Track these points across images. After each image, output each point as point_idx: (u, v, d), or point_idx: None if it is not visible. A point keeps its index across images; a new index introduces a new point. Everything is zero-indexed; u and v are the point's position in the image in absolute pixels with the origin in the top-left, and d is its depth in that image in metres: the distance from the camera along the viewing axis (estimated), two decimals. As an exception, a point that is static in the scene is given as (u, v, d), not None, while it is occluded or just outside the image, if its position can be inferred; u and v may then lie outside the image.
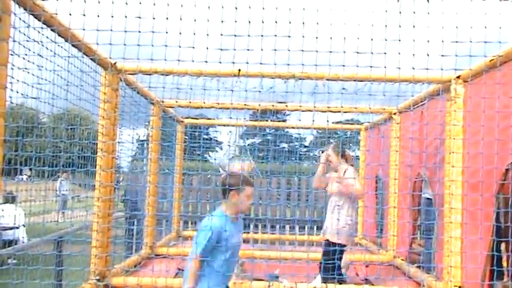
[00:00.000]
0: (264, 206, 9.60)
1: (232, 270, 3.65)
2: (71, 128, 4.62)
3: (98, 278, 4.20)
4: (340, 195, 5.11)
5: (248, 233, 8.74)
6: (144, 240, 6.06)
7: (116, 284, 4.33)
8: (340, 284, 4.57)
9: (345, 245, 5.00)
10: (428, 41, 3.34)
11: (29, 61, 3.21)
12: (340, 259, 4.91)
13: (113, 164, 4.47)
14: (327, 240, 5.07)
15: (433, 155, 5.00)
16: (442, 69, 3.51)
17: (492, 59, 3.71)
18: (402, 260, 5.92)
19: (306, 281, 4.57)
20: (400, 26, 3.28)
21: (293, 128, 8.68)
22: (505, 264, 4.43)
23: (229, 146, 6.19)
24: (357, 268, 5.79)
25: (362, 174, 7.60)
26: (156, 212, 6.27)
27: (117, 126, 4.54)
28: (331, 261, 4.71)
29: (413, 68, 3.44)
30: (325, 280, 4.73)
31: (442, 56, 3.38)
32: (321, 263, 4.90)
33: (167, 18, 3.23)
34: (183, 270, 5.34)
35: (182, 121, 7.62)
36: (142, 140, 8.37)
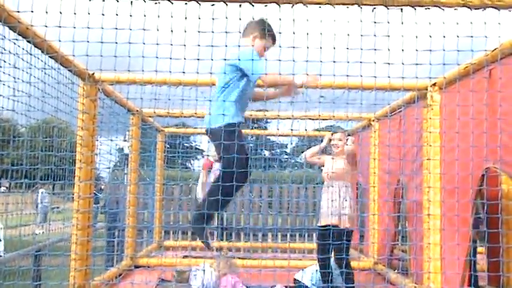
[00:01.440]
0: (245, 214, 9.59)
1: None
2: (49, 140, 4.57)
3: (77, 291, 4.15)
4: (343, 178, 5.13)
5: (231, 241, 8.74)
6: (125, 251, 6.00)
7: (96, 296, 4.28)
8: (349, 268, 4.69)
9: (352, 231, 5.07)
10: (403, 50, 3.40)
11: (4, 73, 3.18)
12: (349, 242, 4.95)
13: (92, 175, 4.43)
14: (327, 225, 4.93)
15: (411, 162, 5.08)
16: (417, 77, 3.57)
17: (466, 67, 3.79)
18: (383, 266, 5.97)
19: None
20: (375, 35, 3.33)
21: (273, 135, 8.72)
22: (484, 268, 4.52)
23: (207, 156, 6.17)
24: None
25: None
26: (137, 222, 6.22)
27: (95, 136, 4.51)
28: (340, 249, 4.71)
29: (389, 77, 3.49)
30: (323, 264, 4.85)
31: (417, 64, 3.44)
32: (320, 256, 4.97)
33: (144, 29, 3.22)
34: (164, 280, 5.34)
35: (162, 130, 7.60)
36: (125, 154, 8.34)
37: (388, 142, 4.82)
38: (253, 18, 3.66)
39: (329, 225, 4.90)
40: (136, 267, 5.87)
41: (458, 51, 3.43)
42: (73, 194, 4.42)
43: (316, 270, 5.07)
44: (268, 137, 10.77)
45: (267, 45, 3.69)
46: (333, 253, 4.97)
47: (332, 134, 5.52)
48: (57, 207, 14.26)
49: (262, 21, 3.64)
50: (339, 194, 5.04)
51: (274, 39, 3.70)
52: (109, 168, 6.45)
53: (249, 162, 3.58)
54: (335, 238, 4.63)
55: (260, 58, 3.59)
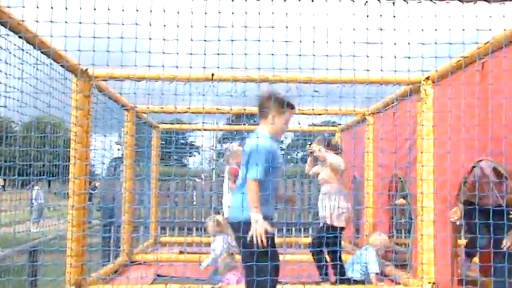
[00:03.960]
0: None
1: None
2: (43, 136, 4.56)
3: (73, 287, 4.15)
4: (331, 181, 5.28)
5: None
6: (121, 247, 6.01)
7: (92, 292, 4.29)
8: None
9: (343, 228, 5.25)
10: (395, 44, 3.42)
11: (-5, 69, 3.18)
12: (341, 241, 5.26)
13: (87, 172, 4.43)
14: (325, 225, 5.17)
15: (405, 155, 5.10)
16: (409, 71, 3.59)
17: (458, 60, 3.81)
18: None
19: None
20: (367, 29, 3.34)
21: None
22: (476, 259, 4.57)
23: (204, 150, 6.20)
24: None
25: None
26: (133, 218, 6.23)
27: (90, 133, 4.51)
28: (332, 244, 4.91)
29: (382, 70, 3.50)
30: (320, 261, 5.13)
31: (409, 58, 3.46)
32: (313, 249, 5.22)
33: (136, 24, 3.23)
34: (160, 276, 5.35)
35: (157, 126, 7.59)
36: (117, 158, 8.32)
37: (382, 136, 4.84)
38: (261, 95, 3.56)
39: (323, 225, 5.19)
40: (133, 262, 5.87)
41: (450, 44, 3.44)
42: (68, 191, 4.42)
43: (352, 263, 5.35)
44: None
45: (288, 117, 3.48)
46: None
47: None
48: (52, 204, 14.28)
49: (275, 97, 3.44)
50: (330, 197, 5.26)
51: (293, 107, 3.50)
52: (103, 164, 6.44)
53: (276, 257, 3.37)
54: (327, 235, 4.91)
55: (276, 141, 3.48)
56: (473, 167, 3.93)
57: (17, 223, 5.24)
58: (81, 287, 4.24)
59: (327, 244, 4.93)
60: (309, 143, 5.97)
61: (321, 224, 5.29)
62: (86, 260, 4.37)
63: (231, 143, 7.10)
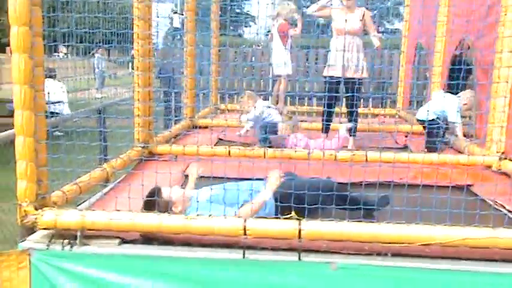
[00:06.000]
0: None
1: None
2: (106, 3, 4.48)
3: (142, 144, 4.31)
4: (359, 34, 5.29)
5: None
6: (184, 112, 6.15)
7: (160, 151, 4.45)
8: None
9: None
10: None
11: None
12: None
13: (150, 33, 4.37)
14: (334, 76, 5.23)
15: (479, 20, 4.71)
16: None
17: None
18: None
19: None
20: None
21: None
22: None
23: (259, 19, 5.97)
24: (396, 138, 5.80)
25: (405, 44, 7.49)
26: (194, 86, 6.27)
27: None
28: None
29: None
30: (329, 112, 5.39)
31: None
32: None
33: None
34: (222, 140, 5.49)
35: (216, -7, 7.31)
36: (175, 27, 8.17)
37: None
38: None
39: (337, 76, 5.20)
40: (195, 127, 6.02)
41: None
42: (128, 59, 4.41)
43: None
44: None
45: None
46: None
47: None
48: (114, 74, 14.59)
49: None
50: (351, 47, 5.19)
51: None
52: (160, 30, 6.36)
53: None
54: (349, 88, 5.06)
55: None
56: None
57: (84, 90, 5.39)
58: (149, 146, 4.40)
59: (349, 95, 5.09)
60: None
61: (338, 75, 5.17)
62: (152, 122, 4.48)
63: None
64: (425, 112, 5.03)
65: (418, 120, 5.35)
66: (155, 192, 2.77)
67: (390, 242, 2.42)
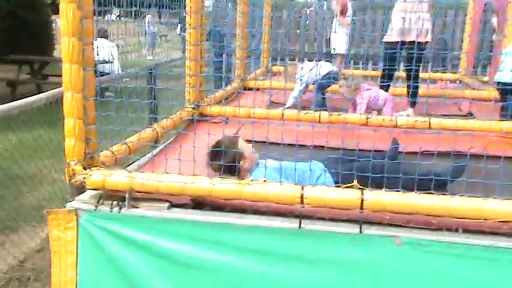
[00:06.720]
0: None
1: None
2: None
3: (192, 105, 4.18)
4: None
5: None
6: (235, 73, 5.96)
7: (212, 112, 4.31)
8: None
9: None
10: None
11: None
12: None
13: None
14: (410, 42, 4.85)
15: None
16: None
17: None
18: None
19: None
20: None
21: None
22: None
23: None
24: (460, 105, 5.40)
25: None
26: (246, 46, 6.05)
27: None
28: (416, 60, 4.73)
29: None
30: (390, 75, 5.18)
31: None
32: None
33: None
34: (275, 102, 5.27)
35: None
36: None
37: None
38: None
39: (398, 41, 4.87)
40: (246, 89, 5.85)
41: None
42: (180, 22, 4.23)
43: None
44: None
45: None
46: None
47: None
48: (165, 36, 14.55)
49: None
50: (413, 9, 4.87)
51: None
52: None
53: None
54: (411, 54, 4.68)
55: None
56: None
57: (136, 50, 5.28)
58: (199, 106, 4.26)
59: (409, 60, 4.77)
60: None
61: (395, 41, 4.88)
62: (203, 80, 4.32)
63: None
64: (509, 73, 4.48)
65: (499, 83, 4.77)
66: (226, 142, 2.67)
67: (463, 218, 2.18)
